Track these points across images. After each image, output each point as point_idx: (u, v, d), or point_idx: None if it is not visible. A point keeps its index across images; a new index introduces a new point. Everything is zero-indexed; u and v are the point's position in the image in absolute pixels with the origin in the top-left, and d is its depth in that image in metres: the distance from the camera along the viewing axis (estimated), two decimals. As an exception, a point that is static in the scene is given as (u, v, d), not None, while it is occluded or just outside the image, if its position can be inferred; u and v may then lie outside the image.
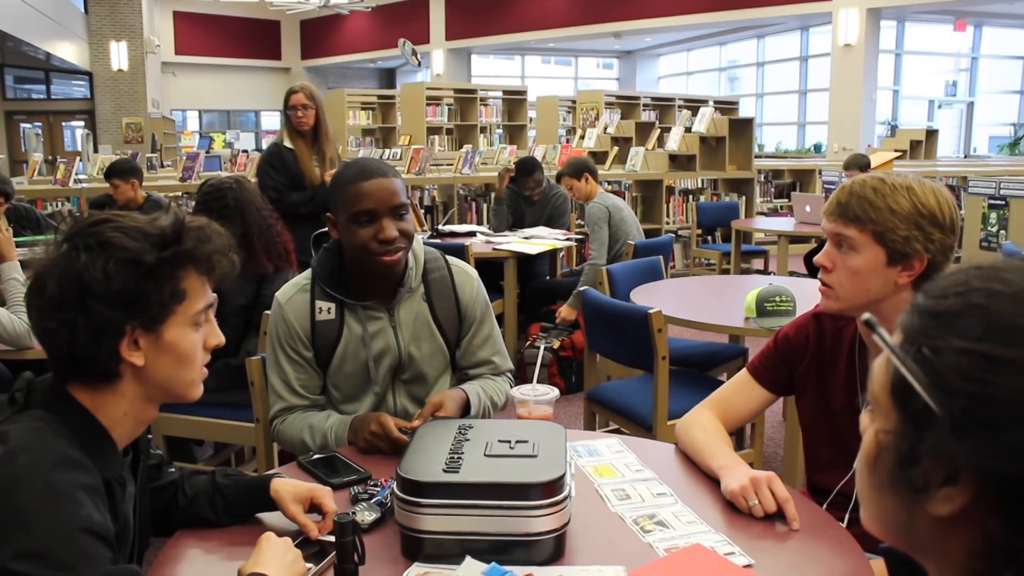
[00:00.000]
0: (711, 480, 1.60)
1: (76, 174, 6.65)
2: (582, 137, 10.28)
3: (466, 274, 2.05)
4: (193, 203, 3.94)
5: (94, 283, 1.14)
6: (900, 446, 0.65)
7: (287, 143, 4.20)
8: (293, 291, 1.95)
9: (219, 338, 1.31)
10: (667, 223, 8.25)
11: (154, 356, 1.21)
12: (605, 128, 10.78)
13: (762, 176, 9.52)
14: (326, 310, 1.92)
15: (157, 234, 1.20)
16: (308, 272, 1.97)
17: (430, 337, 1.97)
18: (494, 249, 4.86)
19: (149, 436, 1.41)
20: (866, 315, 0.68)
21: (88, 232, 1.17)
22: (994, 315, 0.62)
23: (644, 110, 13.25)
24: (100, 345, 1.17)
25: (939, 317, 0.64)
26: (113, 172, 5.25)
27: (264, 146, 18.94)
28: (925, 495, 0.63)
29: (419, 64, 20.04)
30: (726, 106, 12.67)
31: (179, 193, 6.52)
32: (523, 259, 4.99)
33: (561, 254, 5.76)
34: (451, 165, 7.93)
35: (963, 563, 0.64)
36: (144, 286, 1.18)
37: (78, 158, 7.05)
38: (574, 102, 13.58)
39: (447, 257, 2.06)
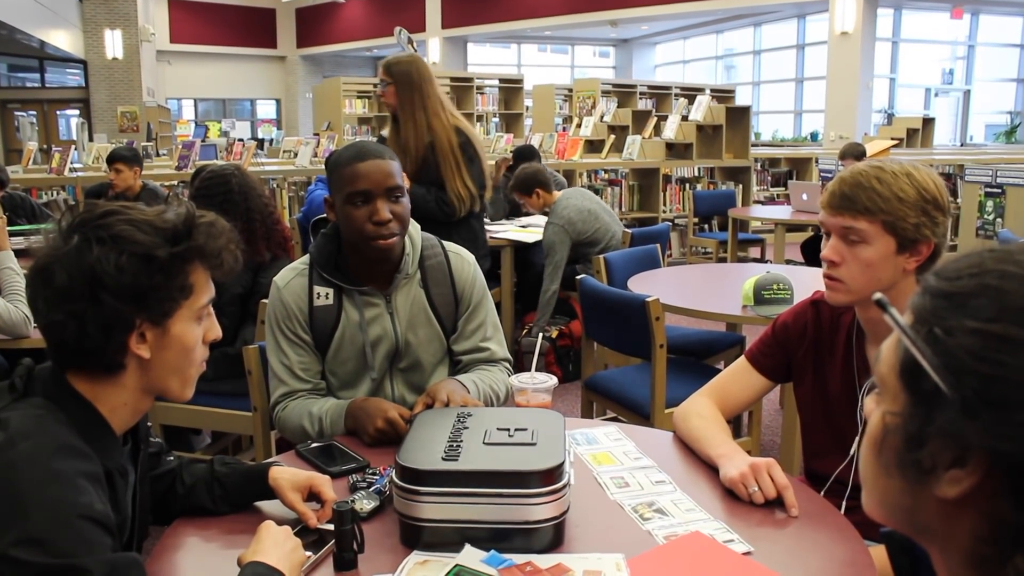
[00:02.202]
0: (710, 468, 1.61)
1: (71, 163, 6.63)
2: (579, 126, 10.26)
3: (462, 258, 2.05)
4: (187, 192, 3.93)
5: (106, 276, 1.14)
6: (908, 427, 0.65)
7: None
8: (292, 275, 1.95)
9: (217, 332, 1.31)
10: (664, 211, 8.25)
11: (159, 349, 1.22)
12: (602, 116, 10.76)
13: (759, 164, 9.51)
14: (324, 295, 1.92)
15: (169, 228, 1.20)
16: (306, 257, 1.97)
17: (426, 323, 1.97)
18: (491, 238, 4.84)
19: (148, 424, 1.41)
20: (878, 295, 0.68)
21: (98, 224, 1.17)
22: (1007, 296, 0.62)
23: (641, 98, 13.23)
24: (109, 338, 1.17)
25: (951, 298, 0.64)
26: (118, 157, 5.30)
27: (259, 135, 18.74)
28: (932, 477, 0.63)
29: (415, 52, 19.98)
30: (723, 94, 12.64)
31: (175, 182, 6.50)
32: (520, 248, 4.98)
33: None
34: (448, 154, 7.88)
35: (968, 547, 0.64)
36: (155, 281, 1.18)
37: (73, 147, 7.03)
38: (571, 90, 13.56)
39: (443, 243, 2.06)
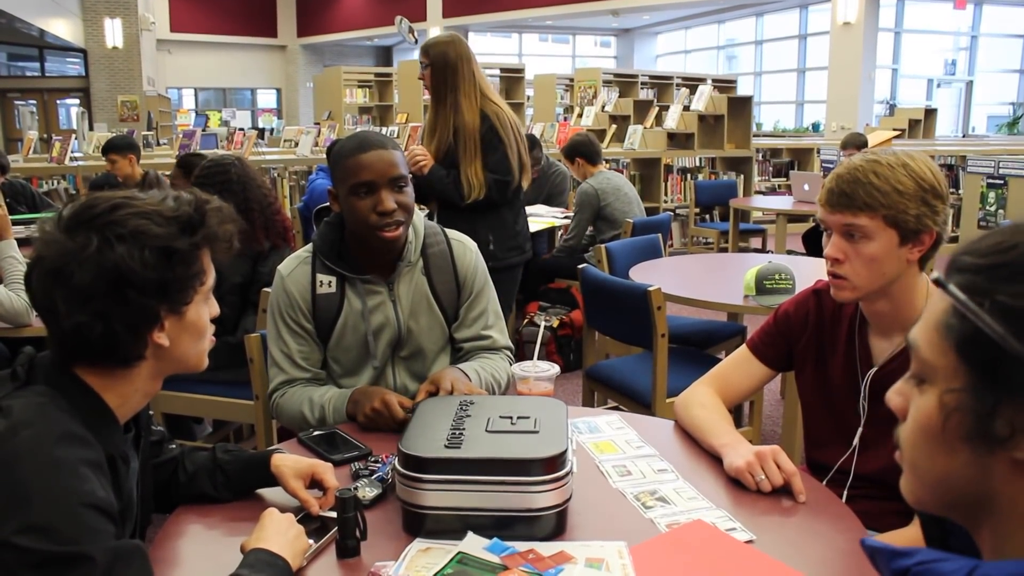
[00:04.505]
0: (712, 456, 1.61)
1: (71, 152, 6.62)
2: (580, 115, 10.24)
3: (464, 245, 2.05)
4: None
5: (132, 274, 1.14)
6: (977, 400, 0.65)
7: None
8: (295, 264, 1.95)
9: (216, 308, 1.33)
10: (665, 201, 8.24)
11: (176, 335, 1.23)
12: (603, 106, 10.74)
13: (760, 155, 9.50)
14: (327, 283, 1.92)
15: (183, 218, 1.20)
16: (309, 246, 1.98)
17: (428, 311, 1.97)
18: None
19: (150, 412, 1.41)
20: (934, 274, 0.69)
21: (112, 220, 1.16)
22: None
23: (642, 88, 13.18)
24: (136, 334, 1.18)
25: (1005, 268, 0.65)
26: (111, 148, 5.27)
27: (260, 125, 18.67)
28: (1010, 443, 0.64)
29: (416, 42, 19.79)
30: (724, 84, 12.62)
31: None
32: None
33: (559, 232, 5.75)
34: (449, 143, 7.86)
35: None
36: (178, 272, 1.19)
37: (73, 136, 7.02)
38: (572, 80, 13.52)
39: (446, 230, 2.05)
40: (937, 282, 0.68)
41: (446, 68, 3.26)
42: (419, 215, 1.98)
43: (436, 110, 3.32)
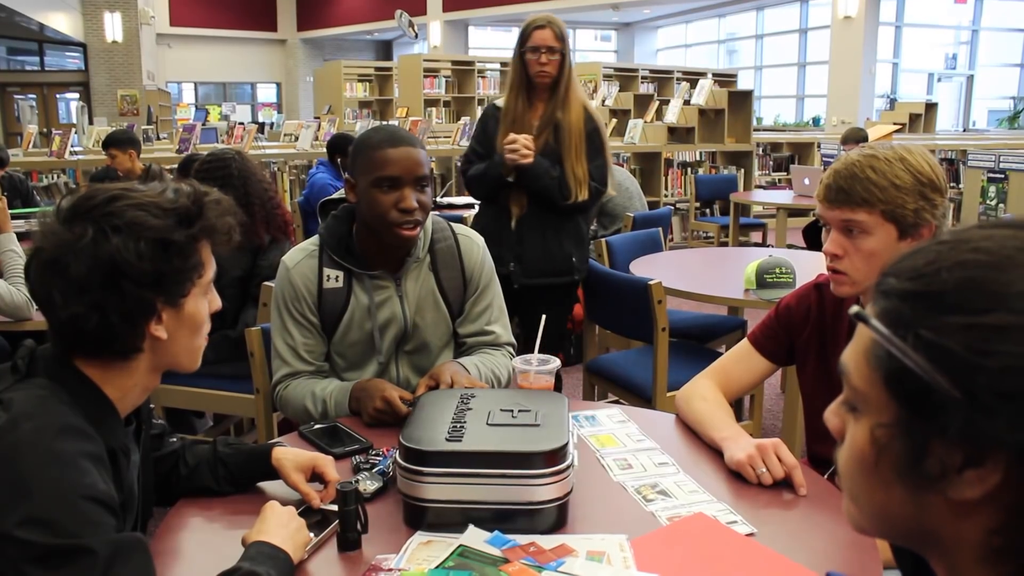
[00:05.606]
0: (712, 450, 1.61)
1: (71, 146, 6.62)
2: (580, 109, 10.21)
3: (471, 240, 2.04)
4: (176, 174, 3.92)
5: (127, 265, 1.14)
6: (907, 437, 0.61)
7: (500, 101, 3.17)
8: (301, 256, 1.94)
9: (218, 303, 1.32)
10: (665, 196, 8.24)
11: (174, 328, 1.22)
12: (603, 100, 10.74)
13: (760, 149, 9.49)
14: (334, 278, 1.91)
15: (180, 209, 1.20)
16: (315, 238, 1.96)
17: (434, 307, 1.97)
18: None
19: (151, 406, 1.41)
20: (854, 308, 0.65)
21: (108, 212, 1.15)
22: (991, 285, 0.58)
23: (642, 82, 13.20)
24: (133, 325, 1.17)
25: (929, 298, 0.60)
26: (111, 142, 5.26)
27: (260, 119, 18.61)
28: (942, 482, 0.60)
29: (416, 36, 19.86)
30: (725, 78, 12.61)
31: (176, 166, 6.48)
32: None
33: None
34: (448, 137, 7.90)
35: (980, 541, 0.61)
36: (174, 264, 1.19)
37: (73, 130, 7.01)
38: (572, 74, 13.51)
39: (453, 226, 2.05)
40: (858, 316, 0.63)
41: (569, 56, 3.00)
42: None
43: (544, 102, 3.01)
